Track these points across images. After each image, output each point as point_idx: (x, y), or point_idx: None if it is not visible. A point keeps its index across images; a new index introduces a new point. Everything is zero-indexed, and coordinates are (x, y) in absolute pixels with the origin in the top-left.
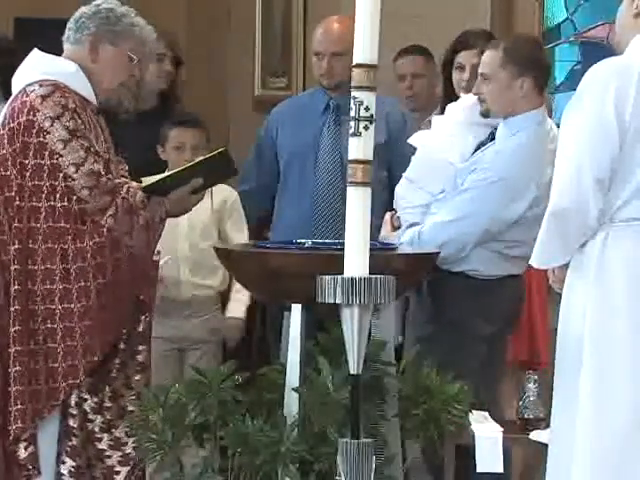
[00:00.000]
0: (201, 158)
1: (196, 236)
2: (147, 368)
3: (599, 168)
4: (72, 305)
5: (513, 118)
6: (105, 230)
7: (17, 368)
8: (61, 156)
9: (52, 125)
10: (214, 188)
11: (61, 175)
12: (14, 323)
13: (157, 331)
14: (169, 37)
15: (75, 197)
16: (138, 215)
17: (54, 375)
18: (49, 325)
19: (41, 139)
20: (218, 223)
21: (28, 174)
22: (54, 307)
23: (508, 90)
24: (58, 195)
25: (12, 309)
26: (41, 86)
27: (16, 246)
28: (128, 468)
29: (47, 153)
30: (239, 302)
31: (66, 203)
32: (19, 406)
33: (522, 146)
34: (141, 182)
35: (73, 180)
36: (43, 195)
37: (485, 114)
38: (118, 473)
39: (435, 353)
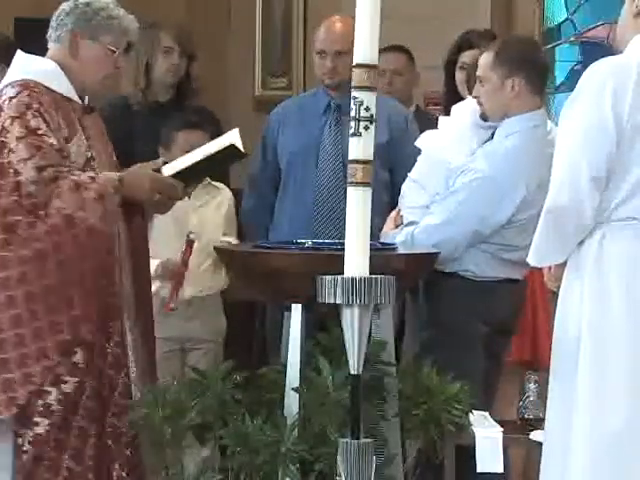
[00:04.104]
0: (215, 151)
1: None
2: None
3: (596, 167)
4: (32, 287)
5: (508, 120)
6: (54, 211)
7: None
8: (13, 152)
9: (12, 124)
10: (222, 188)
11: (12, 171)
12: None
13: (159, 331)
14: (179, 31)
15: (25, 192)
16: (87, 189)
17: (26, 360)
18: (12, 311)
19: (2, 138)
20: (223, 219)
21: None
22: (13, 293)
23: (499, 92)
24: (9, 190)
25: None
26: (13, 87)
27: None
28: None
29: (6, 151)
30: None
31: (16, 198)
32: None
33: (512, 148)
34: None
35: (21, 175)
36: (7, 191)
37: (483, 118)
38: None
39: (434, 356)
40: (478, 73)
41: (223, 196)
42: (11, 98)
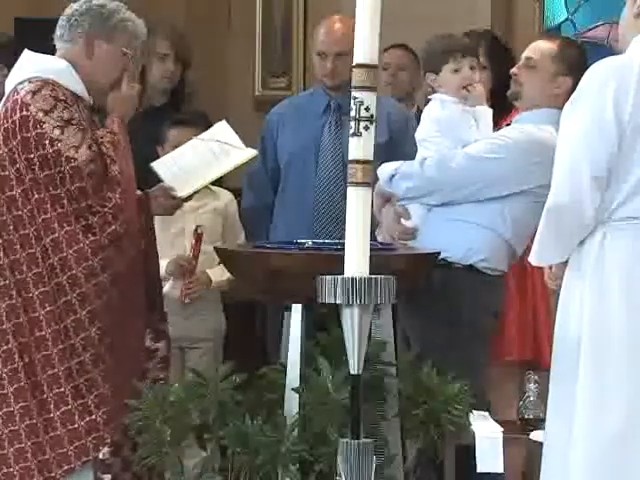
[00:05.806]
0: (238, 164)
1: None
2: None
3: (597, 166)
4: (119, 268)
5: (538, 110)
6: (116, 174)
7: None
8: (60, 141)
9: (45, 116)
10: (220, 192)
11: (63, 159)
12: (48, 324)
13: None
14: (175, 37)
15: (87, 174)
16: (119, 141)
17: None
18: (98, 301)
19: (38, 130)
20: (221, 225)
21: (37, 167)
22: (97, 280)
23: (549, 83)
24: (68, 179)
25: (47, 309)
26: (30, 82)
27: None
28: None
29: (47, 142)
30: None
31: (79, 184)
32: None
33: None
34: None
35: (76, 160)
36: (57, 182)
37: (514, 97)
38: None
39: (452, 355)
40: (530, 54)
41: (221, 200)
42: (34, 92)
